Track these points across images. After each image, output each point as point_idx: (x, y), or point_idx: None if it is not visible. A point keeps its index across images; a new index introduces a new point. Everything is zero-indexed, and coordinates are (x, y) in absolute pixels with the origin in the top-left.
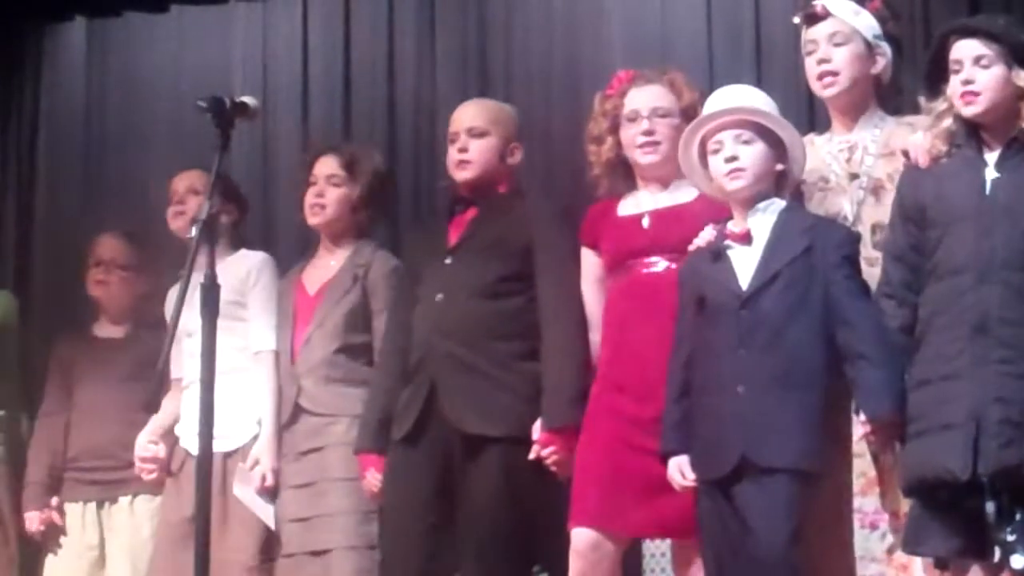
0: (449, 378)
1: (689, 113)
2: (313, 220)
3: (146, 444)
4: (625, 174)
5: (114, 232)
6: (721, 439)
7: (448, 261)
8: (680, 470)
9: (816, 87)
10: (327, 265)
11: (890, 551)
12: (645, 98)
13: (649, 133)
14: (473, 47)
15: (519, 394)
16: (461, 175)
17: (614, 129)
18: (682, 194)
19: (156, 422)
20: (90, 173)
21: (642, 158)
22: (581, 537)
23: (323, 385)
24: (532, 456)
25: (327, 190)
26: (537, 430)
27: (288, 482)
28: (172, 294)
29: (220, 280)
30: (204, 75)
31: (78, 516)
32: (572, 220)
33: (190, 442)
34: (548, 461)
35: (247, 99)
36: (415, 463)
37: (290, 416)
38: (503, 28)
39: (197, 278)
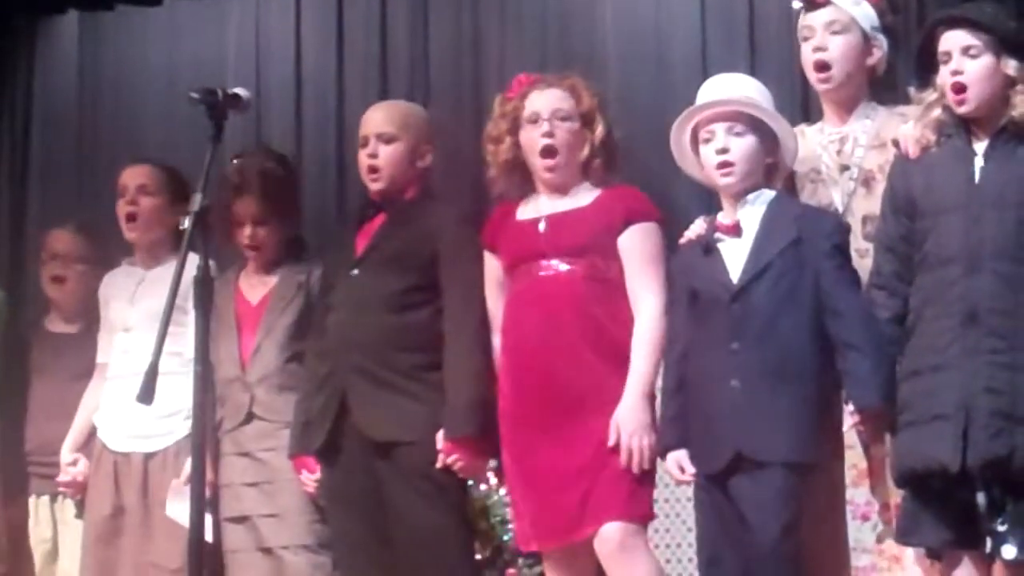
0: (358, 389)
1: (588, 118)
2: (251, 257)
3: (66, 467)
4: (523, 176)
5: (66, 226)
6: (715, 433)
7: (354, 273)
8: (679, 465)
9: (811, 77)
10: (264, 276)
11: (879, 541)
12: (546, 101)
13: (549, 135)
14: (467, 40)
15: (427, 402)
16: (374, 185)
17: (514, 131)
18: (579, 198)
19: (80, 423)
20: (83, 165)
21: (544, 172)
22: (549, 562)
23: (276, 393)
24: (439, 465)
25: (257, 232)
26: (439, 440)
27: (236, 479)
28: (108, 283)
29: (163, 284)
30: (197, 68)
31: (32, 509)
32: (478, 225)
33: (108, 435)
34: (455, 468)
35: (240, 90)
36: (339, 473)
37: (242, 420)
38: (497, 21)
39: (161, 272)
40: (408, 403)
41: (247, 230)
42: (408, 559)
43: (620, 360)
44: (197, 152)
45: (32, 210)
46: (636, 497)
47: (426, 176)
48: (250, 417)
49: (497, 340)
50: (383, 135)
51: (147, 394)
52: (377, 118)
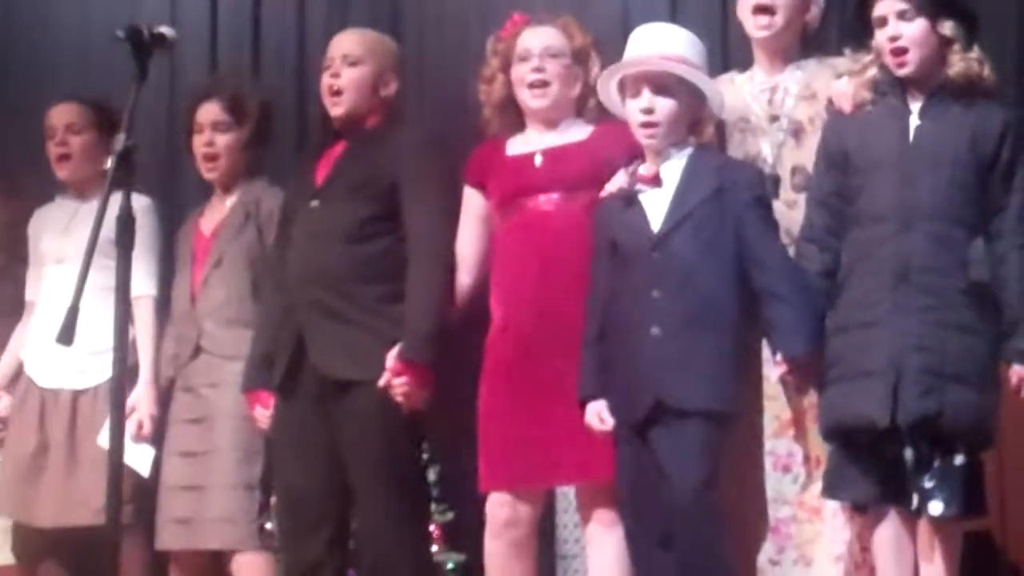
0: (315, 325)
1: (581, 56)
2: (210, 175)
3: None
4: (515, 114)
5: None
6: (637, 383)
7: (314, 204)
8: (598, 415)
9: (750, 22)
10: (221, 207)
11: (802, 491)
12: (537, 38)
13: (539, 70)
14: None
15: (386, 337)
16: (334, 109)
17: (505, 68)
18: (573, 133)
19: (7, 361)
20: None
21: (531, 101)
22: (497, 502)
23: (224, 327)
24: (381, 383)
25: (215, 138)
26: (391, 359)
27: (180, 416)
28: (38, 219)
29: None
30: (111, 5)
31: None
32: (441, 153)
33: (36, 371)
34: (396, 391)
35: (165, 29)
36: (294, 410)
37: (190, 355)
38: None
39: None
40: (366, 339)
41: (205, 136)
42: (361, 496)
43: None
44: (112, 90)
45: None
46: None
47: (389, 106)
48: (198, 351)
49: (464, 278)
50: (348, 57)
51: (67, 334)
52: (344, 41)
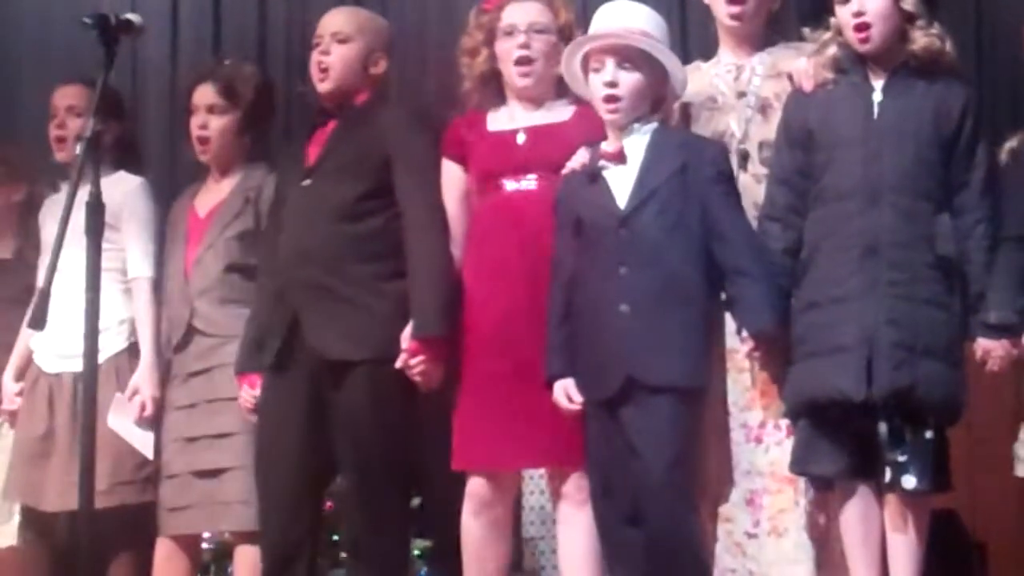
0: (310, 305)
1: (565, 32)
2: (202, 157)
3: (11, 396)
4: (497, 88)
5: None
6: (606, 360)
7: (306, 183)
8: (566, 393)
9: (723, 11)
10: (218, 189)
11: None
12: (523, 13)
13: (525, 47)
14: None
15: (382, 315)
16: (322, 85)
17: (489, 42)
18: (557, 113)
19: (20, 349)
20: None
21: (518, 78)
22: (477, 482)
23: (217, 306)
24: (399, 365)
25: (209, 120)
26: (406, 340)
27: (176, 403)
28: (47, 208)
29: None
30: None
31: None
32: (430, 127)
33: (42, 357)
34: (414, 371)
35: (132, 16)
36: (283, 391)
37: (183, 338)
38: None
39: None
40: (362, 319)
41: (199, 118)
42: (350, 478)
43: None
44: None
45: None
46: None
47: (378, 83)
48: (191, 331)
49: (456, 252)
50: (338, 34)
51: (39, 319)
52: (335, 19)
